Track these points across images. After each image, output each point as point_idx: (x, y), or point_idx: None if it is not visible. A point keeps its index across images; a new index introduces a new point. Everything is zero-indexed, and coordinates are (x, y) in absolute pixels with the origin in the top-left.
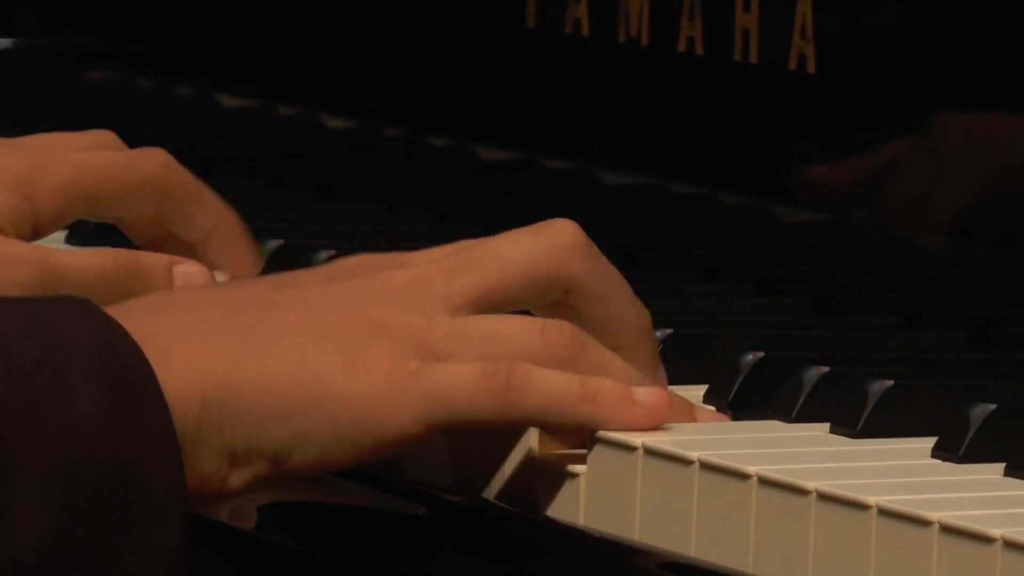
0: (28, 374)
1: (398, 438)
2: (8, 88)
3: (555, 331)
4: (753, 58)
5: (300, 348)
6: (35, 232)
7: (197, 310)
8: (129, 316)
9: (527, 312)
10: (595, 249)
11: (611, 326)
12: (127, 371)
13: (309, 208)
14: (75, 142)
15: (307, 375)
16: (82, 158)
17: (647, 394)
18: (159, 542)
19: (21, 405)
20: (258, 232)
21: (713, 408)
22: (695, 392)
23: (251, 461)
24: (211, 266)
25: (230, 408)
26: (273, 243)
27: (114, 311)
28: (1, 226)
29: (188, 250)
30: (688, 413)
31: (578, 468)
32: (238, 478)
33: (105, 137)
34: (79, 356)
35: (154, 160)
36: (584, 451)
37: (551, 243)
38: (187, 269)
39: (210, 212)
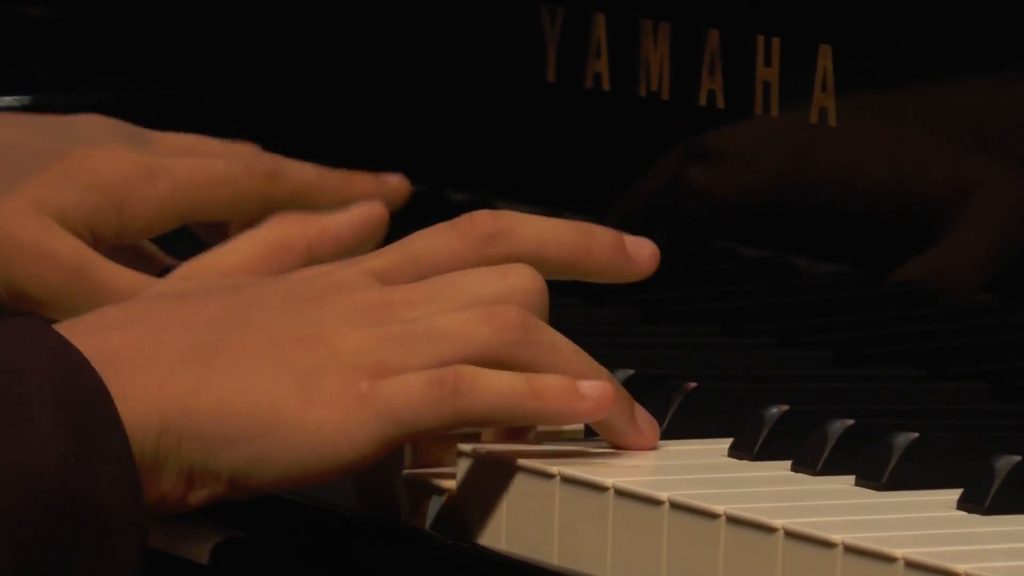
0: None
1: (356, 460)
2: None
3: (501, 315)
4: (774, 111)
5: (257, 375)
6: (119, 239)
7: (157, 331)
8: (87, 336)
9: None
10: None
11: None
12: (86, 401)
13: None
14: (213, 148)
15: (263, 403)
16: (183, 170)
17: (592, 387)
18: (116, 571)
19: None
20: None
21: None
22: (719, 445)
23: (208, 482)
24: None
25: (188, 432)
26: None
27: (70, 328)
28: (78, 230)
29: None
30: (629, 407)
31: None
32: (196, 496)
33: (245, 150)
34: (37, 387)
35: (259, 171)
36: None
37: (519, 287)
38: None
39: (332, 194)
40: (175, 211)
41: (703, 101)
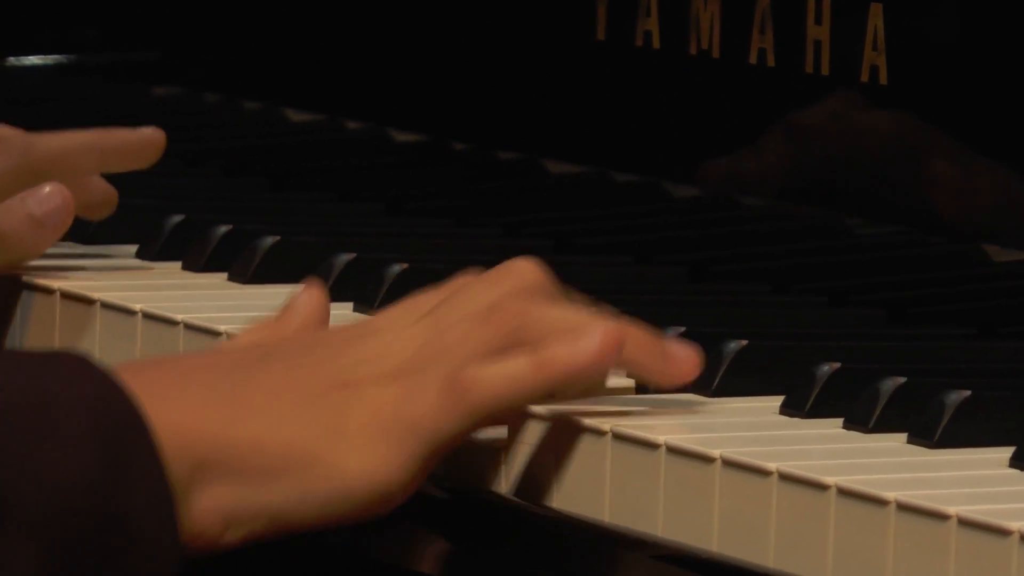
0: (23, 426)
1: (395, 488)
2: (74, 104)
3: (497, 312)
4: (825, 70)
5: (288, 414)
6: None
7: (188, 372)
8: (126, 373)
9: None
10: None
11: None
12: (120, 423)
13: (379, 222)
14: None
15: (297, 440)
16: None
17: (592, 328)
18: None
19: (15, 455)
20: (329, 246)
21: (693, 351)
22: (771, 403)
23: (246, 520)
24: None
25: (224, 467)
26: (345, 257)
27: (109, 367)
28: None
29: None
30: (651, 343)
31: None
32: (232, 535)
33: (11, 140)
34: (73, 409)
35: (11, 148)
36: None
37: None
38: (38, 194)
39: (87, 154)
40: None
41: (753, 59)
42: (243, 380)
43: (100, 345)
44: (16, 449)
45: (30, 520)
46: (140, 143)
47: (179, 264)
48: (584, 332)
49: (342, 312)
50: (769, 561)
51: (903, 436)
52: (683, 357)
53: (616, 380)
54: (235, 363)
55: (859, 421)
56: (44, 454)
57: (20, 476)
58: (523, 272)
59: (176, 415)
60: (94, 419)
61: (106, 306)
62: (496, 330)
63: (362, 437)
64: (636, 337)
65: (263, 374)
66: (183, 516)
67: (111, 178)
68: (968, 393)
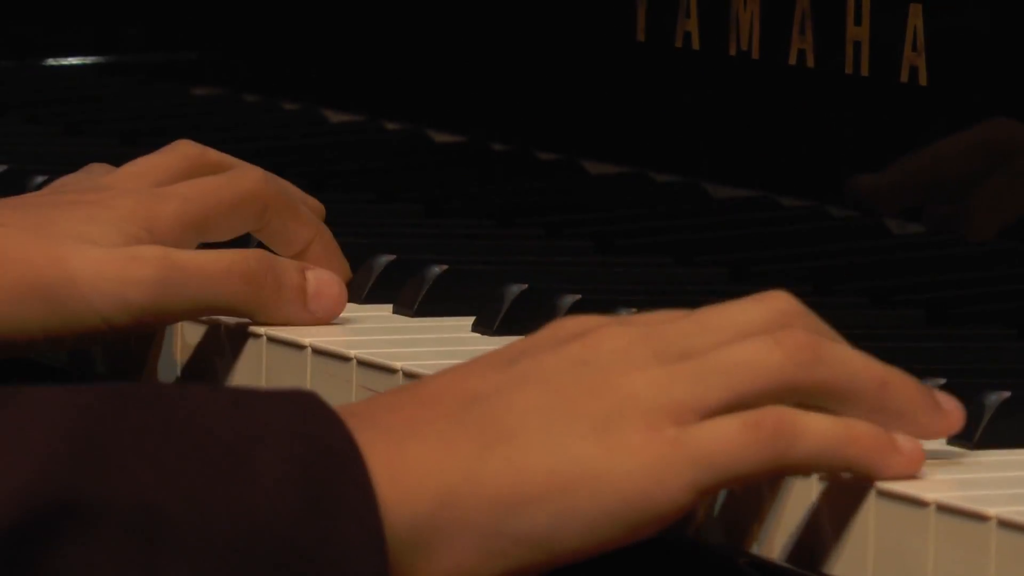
0: (211, 452)
1: (670, 510)
2: (115, 105)
3: (789, 339)
4: (864, 71)
5: (549, 431)
6: None
7: (430, 405)
8: (355, 414)
9: None
10: (811, 317)
11: (848, 388)
12: (331, 459)
13: (419, 223)
14: (159, 161)
15: (563, 460)
16: (187, 187)
17: (907, 441)
18: None
19: (190, 480)
20: (369, 247)
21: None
22: None
23: (506, 551)
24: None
25: (476, 499)
26: (385, 258)
27: (341, 408)
28: (123, 245)
29: None
30: (923, 395)
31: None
32: (488, 571)
33: (185, 148)
34: (277, 440)
35: (252, 176)
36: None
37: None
38: (319, 275)
39: (307, 224)
40: (192, 224)
41: (793, 60)
42: (494, 402)
43: None
44: (201, 475)
45: (207, 550)
46: (337, 269)
47: None
48: (889, 382)
49: (380, 314)
50: None
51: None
52: (950, 409)
53: None
54: (480, 382)
55: None
56: (234, 482)
57: (200, 503)
58: (783, 300)
59: (417, 453)
60: (300, 452)
61: None
62: (791, 358)
63: (641, 451)
64: (907, 387)
65: (515, 392)
66: (432, 554)
67: None
68: (1008, 394)
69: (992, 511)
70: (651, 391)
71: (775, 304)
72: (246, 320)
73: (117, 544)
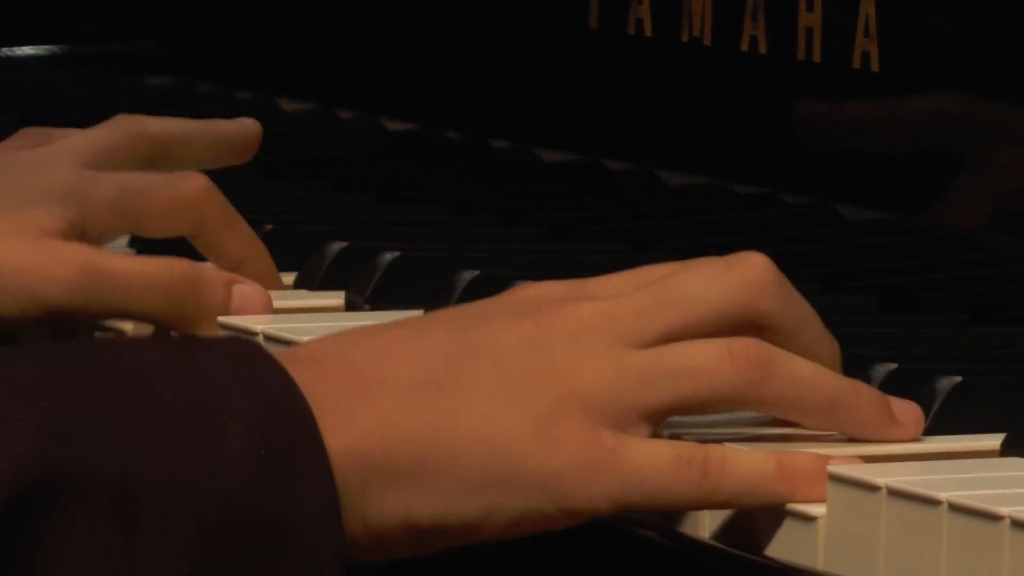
0: (174, 418)
1: (588, 513)
2: (69, 94)
3: (743, 351)
4: (817, 57)
5: (491, 415)
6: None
7: (381, 364)
8: (304, 365)
9: None
10: (787, 283)
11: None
12: (287, 422)
13: (373, 211)
14: (100, 133)
15: (499, 448)
16: (128, 179)
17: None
18: None
19: (157, 448)
20: (322, 235)
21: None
22: None
23: (436, 533)
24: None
25: (418, 480)
26: (338, 245)
27: (287, 356)
28: (51, 234)
29: None
30: (885, 408)
31: (815, 510)
32: (416, 548)
33: (125, 122)
34: (235, 403)
35: (195, 183)
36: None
37: (743, 280)
38: (246, 290)
39: (243, 241)
40: (126, 213)
41: (745, 47)
42: (444, 374)
43: None
44: (158, 443)
45: (176, 517)
46: (245, 136)
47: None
48: (839, 399)
49: (333, 301)
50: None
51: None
52: (907, 420)
53: None
54: (434, 348)
55: None
56: (198, 448)
57: (168, 470)
58: (751, 267)
59: (364, 417)
60: (258, 416)
61: None
62: (741, 375)
63: (575, 453)
64: (859, 404)
65: (466, 364)
66: (367, 520)
67: None
68: (960, 379)
69: (943, 495)
70: (596, 387)
71: (743, 275)
72: None
73: (95, 515)
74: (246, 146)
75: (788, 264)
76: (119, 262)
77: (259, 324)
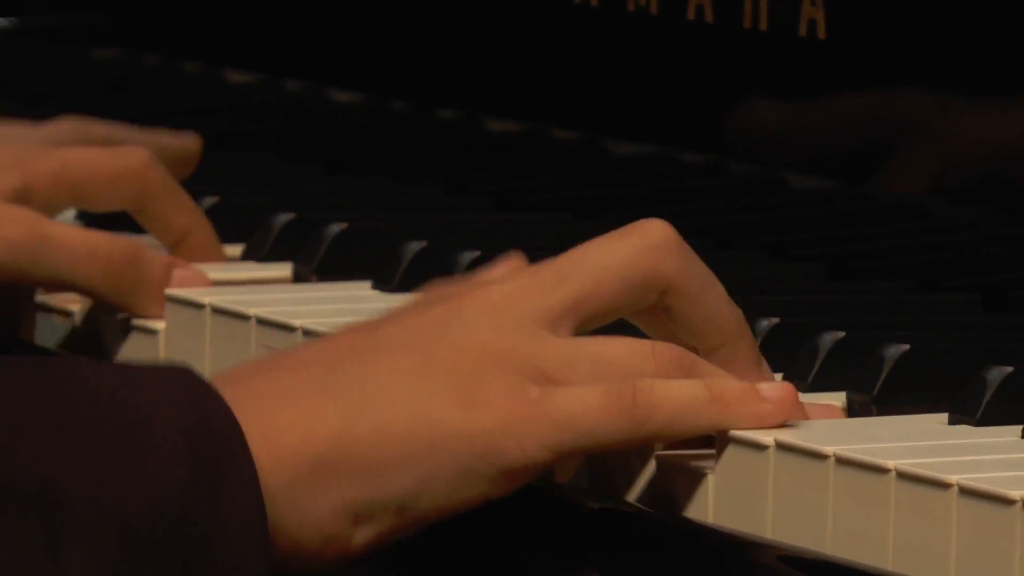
0: (101, 429)
1: (525, 467)
2: (16, 67)
3: (665, 350)
4: (763, 25)
5: (411, 392)
6: None
7: (297, 370)
8: (229, 383)
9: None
10: (687, 247)
11: (709, 325)
12: (215, 435)
13: (320, 182)
14: (45, 133)
15: (423, 419)
16: (68, 152)
17: (772, 389)
18: None
19: (85, 457)
20: (269, 207)
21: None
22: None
23: (375, 515)
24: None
25: (345, 465)
26: (284, 217)
27: (219, 380)
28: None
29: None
30: (801, 409)
31: (706, 465)
32: (362, 536)
33: (70, 124)
34: (163, 417)
35: (137, 157)
36: (708, 451)
37: (643, 244)
38: (184, 273)
39: (186, 214)
40: (69, 186)
41: (692, 15)
42: (359, 366)
43: None
44: (94, 452)
45: (103, 525)
46: (185, 151)
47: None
48: (766, 385)
49: (281, 273)
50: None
51: (842, 392)
52: (776, 399)
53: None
54: (347, 347)
55: (798, 375)
56: (126, 458)
57: (94, 479)
58: (649, 231)
59: (287, 422)
60: (186, 429)
61: None
62: (660, 371)
63: (501, 408)
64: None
65: (380, 353)
66: (307, 518)
67: None
68: (907, 347)
69: (891, 463)
70: (515, 352)
71: (643, 239)
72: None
73: (20, 521)
74: (185, 160)
75: (735, 232)
76: (63, 230)
77: (206, 296)
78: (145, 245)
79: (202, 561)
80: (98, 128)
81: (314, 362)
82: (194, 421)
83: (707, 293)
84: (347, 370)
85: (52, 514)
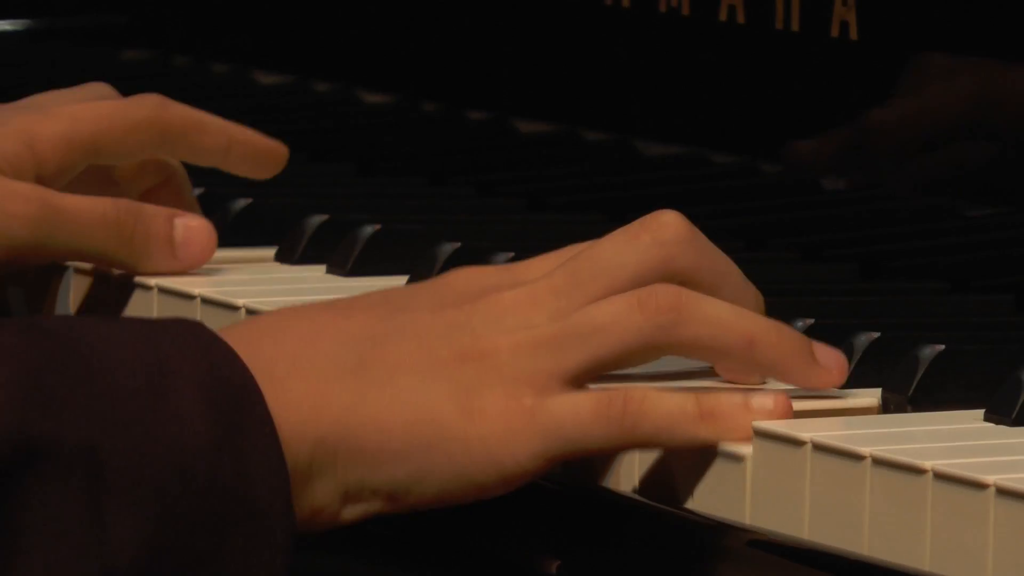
0: (133, 392)
1: (517, 476)
2: (44, 68)
3: (652, 299)
4: (795, 26)
5: (415, 389)
6: (39, 183)
7: (311, 341)
8: (241, 341)
9: None
10: (701, 238)
11: None
12: (235, 393)
13: (351, 183)
14: (70, 96)
15: (424, 417)
16: (78, 108)
17: (763, 401)
18: (263, 563)
19: (121, 420)
20: (301, 208)
21: (841, 357)
22: None
23: (365, 498)
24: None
25: (345, 447)
26: (318, 218)
27: (227, 333)
28: (3, 171)
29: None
30: (806, 352)
31: (743, 449)
32: (350, 513)
33: (99, 89)
34: (186, 377)
35: (148, 102)
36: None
37: (656, 240)
38: (188, 222)
39: (218, 134)
40: (81, 144)
41: (724, 16)
42: (370, 351)
43: None
44: (121, 415)
45: (133, 485)
46: (268, 151)
47: None
48: (757, 339)
49: (315, 274)
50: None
51: (878, 391)
52: (829, 364)
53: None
54: (361, 328)
55: None
56: (157, 420)
57: (122, 441)
58: (663, 227)
59: (297, 395)
60: (208, 388)
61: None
62: (651, 320)
63: (497, 419)
64: (779, 342)
65: (391, 343)
66: (301, 492)
67: None
68: (942, 347)
69: (928, 464)
70: (514, 360)
71: (655, 235)
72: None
73: (67, 482)
74: (270, 162)
75: (767, 233)
76: (70, 200)
77: (240, 299)
78: (142, 203)
79: (230, 516)
80: (178, 108)
81: (327, 334)
82: (212, 379)
83: (724, 283)
84: (357, 352)
85: (96, 477)
